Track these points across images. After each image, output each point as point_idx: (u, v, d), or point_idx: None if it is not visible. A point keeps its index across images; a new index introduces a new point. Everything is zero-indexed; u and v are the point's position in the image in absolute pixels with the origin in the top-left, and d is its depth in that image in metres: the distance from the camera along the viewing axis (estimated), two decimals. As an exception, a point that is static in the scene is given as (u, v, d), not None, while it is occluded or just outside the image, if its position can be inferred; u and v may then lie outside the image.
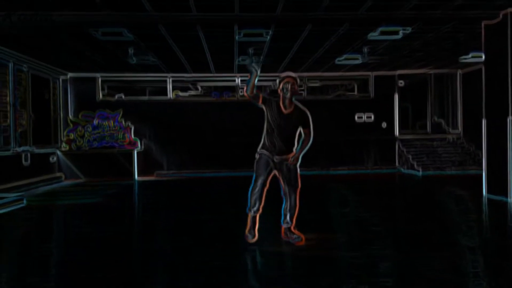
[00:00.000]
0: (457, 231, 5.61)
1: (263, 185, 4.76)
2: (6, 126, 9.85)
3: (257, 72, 4.60)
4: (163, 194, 9.84)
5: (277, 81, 4.83)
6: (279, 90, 4.77)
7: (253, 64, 4.68)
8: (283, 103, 4.74)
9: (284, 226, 4.89)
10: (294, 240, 4.79)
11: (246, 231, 4.81)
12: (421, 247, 4.72)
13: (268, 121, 4.78)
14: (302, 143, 4.79)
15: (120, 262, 4.38)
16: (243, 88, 13.86)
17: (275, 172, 4.82)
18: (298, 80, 4.83)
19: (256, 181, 4.78)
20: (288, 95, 4.70)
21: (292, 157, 4.73)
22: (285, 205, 4.87)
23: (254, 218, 4.81)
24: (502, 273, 3.90)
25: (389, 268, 4.06)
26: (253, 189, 4.79)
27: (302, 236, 4.80)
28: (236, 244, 4.81)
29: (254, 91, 4.67)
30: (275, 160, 4.76)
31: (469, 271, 4.02)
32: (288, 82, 4.70)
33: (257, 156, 4.84)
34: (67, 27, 7.78)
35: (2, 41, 8.94)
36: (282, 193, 4.90)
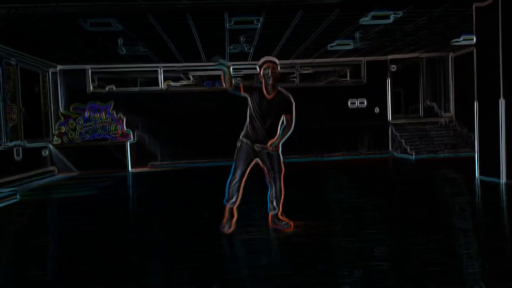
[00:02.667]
0: (451, 214, 5.66)
1: (242, 175, 4.71)
2: (-4, 121, 9.74)
3: (228, 66, 4.57)
4: (157, 185, 9.82)
5: (257, 67, 4.74)
6: (260, 76, 4.69)
7: (220, 61, 4.58)
8: (266, 89, 4.66)
9: (271, 213, 4.85)
10: (283, 227, 4.78)
11: (223, 221, 4.77)
12: (415, 230, 4.76)
13: (250, 109, 4.70)
14: (283, 130, 4.71)
15: (115, 254, 4.38)
16: (235, 77, 13.82)
17: (257, 160, 4.78)
18: (278, 63, 4.72)
19: (235, 171, 4.72)
20: (270, 81, 4.61)
21: (272, 144, 4.64)
22: (271, 192, 4.82)
23: (231, 209, 4.77)
24: (495, 254, 3.95)
25: (383, 252, 4.09)
26: (231, 180, 4.73)
27: (291, 223, 4.80)
28: (230, 234, 4.81)
29: (233, 83, 4.63)
30: (256, 148, 4.71)
31: (463, 252, 4.07)
32: (268, 67, 4.61)
33: (238, 143, 4.77)
34: (55, 19, 7.66)
35: (-12, 35, 8.80)
36: (267, 181, 4.85)
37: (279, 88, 4.74)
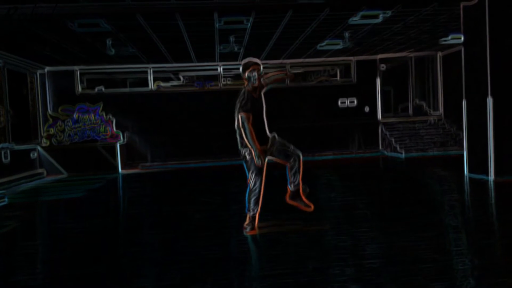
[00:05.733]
0: (441, 211, 5.71)
1: (261, 184, 4.65)
2: (-17, 123, 9.61)
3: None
4: (148, 187, 9.77)
5: (241, 68, 4.69)
6: (244, 79, 4.66)
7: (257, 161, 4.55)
8: (253, 91, 4.66)
9: (291, 189, 4.81)
10: (302, 206, 4.79)
11: (245, 223, 4.74)
12: (406, 227, 4.79)
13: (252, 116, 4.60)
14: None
15: (107, 256, 4.34)
16: (225, 77, 13.81)
17: (270, 158, 4.76)
18: (261, 64, 4.71)
19: (254, 183, 4.62)
20: (256, 83, 4.62)
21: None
22: (289, 169, 4.78)
23: (254, 216, 4.74)
24: (484, 251, 3.99)
25: (375, 250, 4.11)
26: (251, 192, 4.64)
27: (311, 205, 4.80)
28: (222, 234, 4.81)
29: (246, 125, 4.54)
30: (265, 149, 4.68)
31: (453, 249, 4.11)
32: (254, 70, 4.60)
33: (247, 155, 4.64)
34: (42, 19, 7.56)
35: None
36: (286, 171, 4.81)
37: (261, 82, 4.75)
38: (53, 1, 6.84)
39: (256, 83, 4.62)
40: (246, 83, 4.67)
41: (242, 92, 4.66)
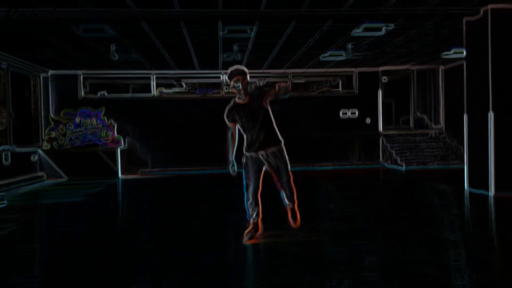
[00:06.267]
0: (440, 225, 5.69)
1: (256, 189, 4.70)
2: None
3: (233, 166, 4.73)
4: (147, 193, 9.75)
5: (226, 77, 4.72)
6: (230, 88, 4.67)
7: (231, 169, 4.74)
8: (239, 98, 4.68)
9: (288, 207, 4.97)
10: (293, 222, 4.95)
11: (245, 232, 4.77)
12: (405, 241, 4.78)
13: (239, 124, 4.74)
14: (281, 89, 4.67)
15: (105, 261, 4.33)
16: (227, 85, 13.84)
17: (265, 167, 4.78)
18: (247, 72, 4.67)
19: (247, 189, 4.72)
20: (242, 92, 4.61)
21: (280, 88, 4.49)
22: (283, 194, 4.94)
23: (256, 223, 4.78)
24: (483, 266, 3.97)
25: (373, 263, 4.10)
26: (247, 199, 4.75)
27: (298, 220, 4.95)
28: (220, 242, 4.79)
29: (229, 135, 4.80)
30: (261, 156, 4.71)
31: (452, 264, 4.09)
32: (238, 80, 4.58)
33: (243, 159, 4.77)
34: (47, 23, 7.62)
35: (-21, 38, 8.73)
36: (277, 185, 4.91)
37: (249, 90, 4.75)
38: (60, 5, 6.90)
39: (242, 92, 4.61)
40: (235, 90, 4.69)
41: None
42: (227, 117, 4.76)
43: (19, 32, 8.25)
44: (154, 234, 5.52)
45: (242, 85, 4.57)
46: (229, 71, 4.67)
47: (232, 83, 4.61)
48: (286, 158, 4.80)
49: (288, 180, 4.83)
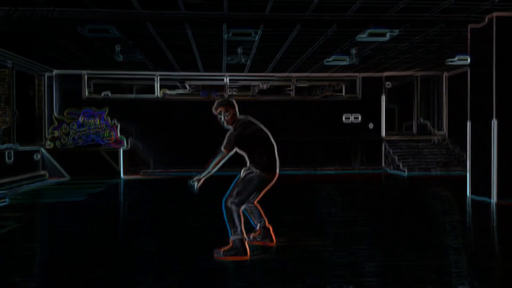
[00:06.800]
0: (442, 232, 5.67)
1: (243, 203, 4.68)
2: (-11, 123, 9.68)
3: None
4: (149, 193, 9.76)
5: (213, 110, 4.63)
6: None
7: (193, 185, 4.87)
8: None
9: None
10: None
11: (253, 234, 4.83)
12: (406, 246, 4.77)
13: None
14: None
15: (105, 261, 4.33)
16: (231, 88, 13.88)
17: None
18: (231, 102, 4.60)
19: (241, 205, 4.68)
20: (225, 124, 4.60)
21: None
22: (252, 216, 4.84)
23: (263, 228, 4.79)
24: (484, 273, 3.95)
25: (373, 268, 4.09)
26: (239, 214, 4.62)
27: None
28: (220, 245, 4.78)
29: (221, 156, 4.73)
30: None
31: (452, 271, 4.07)
32: (221, 112, 4.55)
33: (251, 176, 4.68)
34: (53, 23, 7.66)
35: (-15, 36, 8.78)
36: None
37: (240, 120, 4.61)
38: (66, 6, 6.94)
39: (225, 124, 4.59)
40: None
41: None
42: (236, 142, 4.57)
43: (25, 31, 8.29)
44: (155, 235, 5.52)
45: (224, 116, 4.55)
46: (216, 102, 4.64)
47: (216, 113, 4.60)
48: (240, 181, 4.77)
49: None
